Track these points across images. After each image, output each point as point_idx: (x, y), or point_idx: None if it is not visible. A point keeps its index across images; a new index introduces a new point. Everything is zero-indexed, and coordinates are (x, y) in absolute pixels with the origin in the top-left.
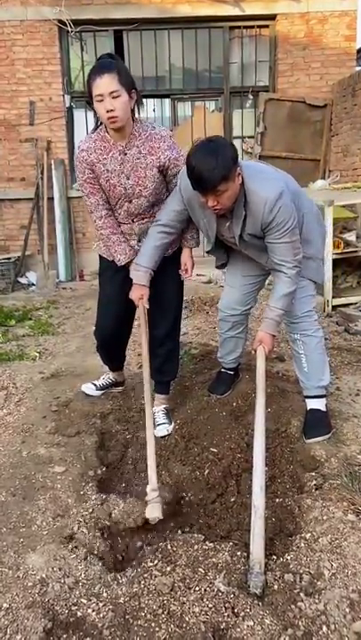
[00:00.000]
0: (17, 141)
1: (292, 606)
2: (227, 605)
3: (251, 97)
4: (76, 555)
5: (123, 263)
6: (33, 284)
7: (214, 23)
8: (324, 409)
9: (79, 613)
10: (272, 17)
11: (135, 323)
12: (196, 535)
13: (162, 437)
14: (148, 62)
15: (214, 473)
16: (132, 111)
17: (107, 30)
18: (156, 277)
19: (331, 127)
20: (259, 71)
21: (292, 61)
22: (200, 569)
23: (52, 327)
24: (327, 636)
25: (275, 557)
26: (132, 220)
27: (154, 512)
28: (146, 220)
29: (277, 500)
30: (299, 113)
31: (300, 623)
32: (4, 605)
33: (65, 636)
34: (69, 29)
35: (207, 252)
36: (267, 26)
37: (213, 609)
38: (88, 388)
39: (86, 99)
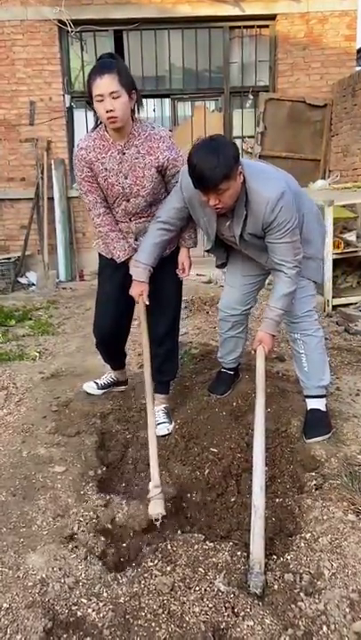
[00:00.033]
0: (17, 141)
1: (293, 606)
2: (227, 605)
3: (251, 97)
4: (77, 554)
5: (122, 260)
6: (33, 284)
7: (214, 23)
8: (324, 409)
9: (79, 613)
10: (272, 17)
11: (135, 322)
12: (196, 535)
13: (162, 437)
14: (148, 62)
15: (214, 473)
16: (132, 111)
17: (107, 30)
18: (154, 277)
19: (331, 127)
20: (259, 71)
21: (292, 61)
22: (200, 569)
23: (52, 327)
24: (327, 636)
25: (275, 557)
26: (130, 219)
27: (156, 508)
28: (143, 219)
29: (277, 499)
30: (299, 113)
31: (300, 623)
32: (5, 605)
33: (65, 635)
34: (69, 29)
35: (206, 251)
36: (267, 26)
37: (213, 609)
38: (90, 387)
39: (86, 99)
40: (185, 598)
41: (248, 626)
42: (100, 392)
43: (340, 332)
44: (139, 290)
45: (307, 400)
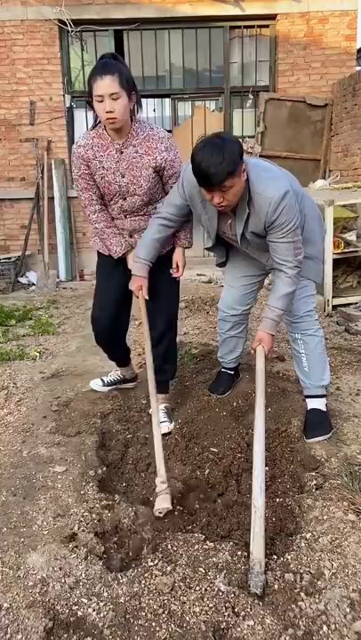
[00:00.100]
0: (17, 141)
1: (293, 606)
2: (227, 605)
3: (251, 97)
4: (77, 554)
5: (119, 255)
6: (33, 284)
7: (215, 23)
8: (324, 409)
9: (80, 613)
10: (272, 17)
11: (135, 322)
12: (196, 535)
13: (162, 436)
14: (148, 62)
15: (215, 473)
16: (131, 111)
17: (107, 30)
18: (152, 276)
19: (331, 127)
20: (259, 71)
21: (292, 61)
22: (200, 568)
23: (53, 327)
24: (328, 636)
25: (275, 557)
26: (125, 216)
27: (163, 503)
28: (138, 217)
29: (278, 499)
30: (299, 113)
31: (300, 623)
32: (5, 605)
33: (65, 635)
34: (70, 29)
35: (207, 249)
36: (267, 25)
37: (214, 608)
38: (96, 384)
39: (86, 98)
40: (185, 598)
41: (248, 625)
42: (106, 389)
43: (340, 332)
44: (138, 284)
45: (307, 400)
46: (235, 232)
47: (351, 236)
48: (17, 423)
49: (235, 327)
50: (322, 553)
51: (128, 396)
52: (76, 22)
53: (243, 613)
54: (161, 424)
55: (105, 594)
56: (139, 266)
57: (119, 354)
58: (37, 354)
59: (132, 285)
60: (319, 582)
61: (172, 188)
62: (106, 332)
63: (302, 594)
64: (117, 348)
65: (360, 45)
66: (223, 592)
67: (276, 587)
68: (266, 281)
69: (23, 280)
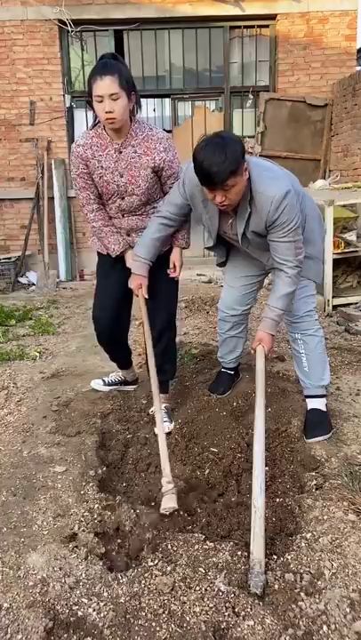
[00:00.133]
0: (17, 141)
1: (293, 606)
2: (227, 605)
3: (251, 97)
4: (77, 554)
5: (117, 253)
6: (33, 284)
7: (215, 23)
8: (324, 409)
9: (80, 613)
10: (272, 16)
11: (135, 323)
12: (196, 535)
13: None
14: (148, 62)
15: (215, 473)
16: (131, 111)
17: (107, 30)
18: (151, 275)
19: (331, 127)
20: (259, 71)
21: (292, 61)
22: (201, 568)
23: (53, 327)
24: (328, 636)
25: (275, 557)
26: (123, 216)
27: (169, 503)
28: (136, 216)
29: (278, 499)
30: (299, 113)
31: (300, 623)
32: (5, 605)
33: (66, 635)
34: (70, 29)
35: (207, 249)
36: (267, 25)
37: (214, 608)
38: (97, 384)
39: (86, 98)
40: (185, 598)
41: (248, 625)
42: (107, 389)
43: (341, 332)
44: (138, 282)
45: (307, 400)
46: (235, 232)
47: (351, 236)
48: (17, 423)
49: (235, 327)
50: (322, 553)
51: (128, 395)
52: (76, 22)
53: (243, 613)
54: None
55: (105, 594)
56: (139, 265)
57: (120, 354)
58: (37, 354)
59: (132, 283)
60: (319, 582)
61: (170, 188)
62: (107, 332)
63: (302, 594)
64: (119, 347)
65: (360, 45)
66: (223, 592)
67: (276, 587)
68: (266, 281)
69: (23, 280)
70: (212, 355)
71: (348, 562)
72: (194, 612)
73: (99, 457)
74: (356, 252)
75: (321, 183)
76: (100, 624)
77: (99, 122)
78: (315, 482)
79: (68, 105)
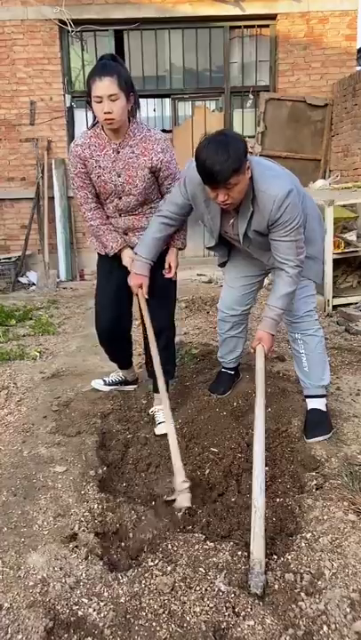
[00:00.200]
0: (17, 141)
1: (293, 606)
2: (227, 605)
3: (251, 97)
4: (77, 554)
5: (115, 251)
6: (33, 284)
7: (215, 23)
8: (324, 409)
9: (80, 613)
10: (273, 16)
11: (135, 323)
12: (196, 535)
13: (162, 436)
14: (148, 62)
15: (215, 473)
16: (129, 112)
17: (107, 30)
18: (150, 274)
19: (331, 127)
20: (259, 71)
21: (292, 61)
22: (201, 569)
23: (53, 327)
24: (328, 636)
25: (275, 557)
26: (120, 215)
27: (184, 502)
28: (133, 216)
29: (278, 499)
30: (299, 112)
31: (300, 623)
32: (6, 605)
33: (66, 635)
34: (70, 29)
35: (208, 249)
36: (267, 25)
37: (214, 608)
38: (97, 384)
39: (86, 98)
40: (186, 598)
41: (249, 625)
42: (108, 388)
43: (341, 332)
44: (138, 282)
45: (307, 400)
46: (237, 231)
47: (351, 236)
48: (17, 423)
49: (234, 327)
50: (322, 553)
51: (128, 395)
52: (77, 22)
53: (243, 613)
54: (161, 425)
55: (105, 594)
56: (140, 264)
57: (121, 354)
58: (38, 354)
59: (132, 282)
60: (319, 582)
61: (167, 189)
62: (108, 332)
63: (302, 594)
64: (120, 348)
65: (360, 45)
66: (223, 592)
67: (276, 587)
68: (266, 281)
69: (23, 280)
70: (212, 355)
71: (349, 562)
72: (194, 611)
73: (99, 457)
74: (357, 251)
75: (321, 183)
76: (101, 624)
77: (97, 122)
78: (315, 482)
79: (68, 105)
